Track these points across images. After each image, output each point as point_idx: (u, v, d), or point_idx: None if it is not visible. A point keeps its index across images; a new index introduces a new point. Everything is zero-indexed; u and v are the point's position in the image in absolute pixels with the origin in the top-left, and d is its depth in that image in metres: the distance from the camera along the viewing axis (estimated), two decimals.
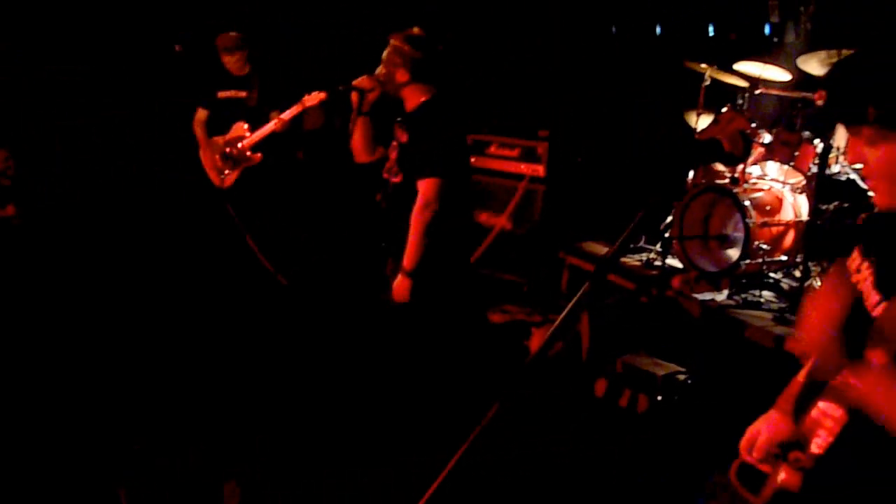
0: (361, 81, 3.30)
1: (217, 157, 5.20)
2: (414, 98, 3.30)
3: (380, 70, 3.30)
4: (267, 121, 5.01)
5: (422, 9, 5.80)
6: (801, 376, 1.74)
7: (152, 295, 5.28)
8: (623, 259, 5.14)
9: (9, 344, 4.36)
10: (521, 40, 6.26)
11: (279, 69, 5.39)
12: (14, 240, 5.57)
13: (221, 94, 5.17)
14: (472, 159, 5.96)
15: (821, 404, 1.53)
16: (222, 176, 5.20)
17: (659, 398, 3.86)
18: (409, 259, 3.24)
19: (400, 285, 3.28)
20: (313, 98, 4.68)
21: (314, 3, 6.11)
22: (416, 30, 3.30)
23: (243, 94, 5.15)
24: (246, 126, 5.10)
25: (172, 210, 5.90)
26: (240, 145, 5.10)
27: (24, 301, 4.95)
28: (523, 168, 5.73)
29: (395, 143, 3.39)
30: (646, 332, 4.35)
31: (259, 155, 5.09)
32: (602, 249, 5.42)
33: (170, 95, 6.04)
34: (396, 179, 3.36)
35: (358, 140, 3.44)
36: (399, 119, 3.40)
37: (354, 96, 3.33)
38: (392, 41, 3.28)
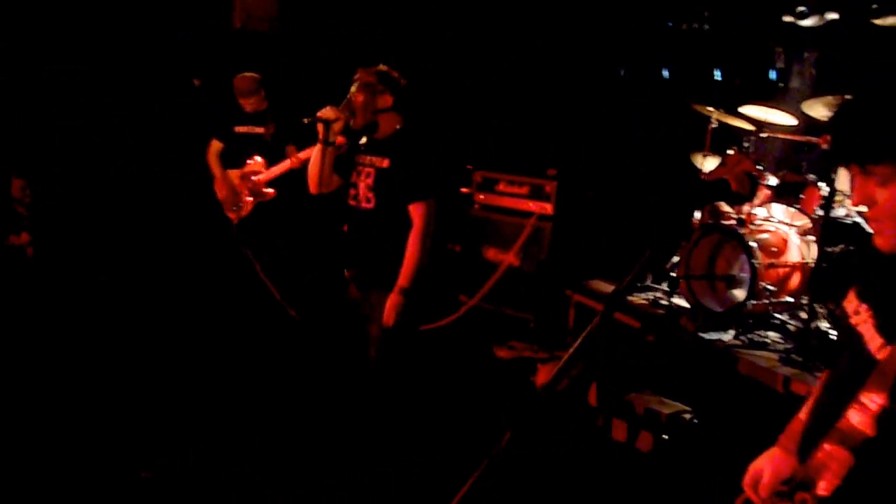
0: (326, 112, 3.37)
1: (231, 190, 5.27)
2: (389, 125, 3.42)
3: (355, 98, 3.38)
4: (283, 156, 5.09)
5: (435, 34, 5.95)
6: (803, 414, 1.76)
7: (159, 304, 5.37)
8: (630, 298, 5.17)
9: (23, 348, 4.43)
10: (531, 82, 6.38)
11: (295, 105, 5.50)
12: (26, 266, 5.65)
13: (238, 129, 5.26)
14: (482, 196, 6.08)
15: (826, 446, 1.55)
16: (236, 209, 5.27)
17: (664, 437, 3.86)
18: (407, 278, 3.32)
19: (395, 304, 3.34)
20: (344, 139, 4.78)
21: (332, 39, 6.23)
22: (384, 67, 3.46)
23: (260, 129, 5.23)
24: (262, 161, 5.18)
25: (184, 235, 5.96)
26: (255, 179, 5.17)
27: (36, 313, 5.04)
28: (532, 206, 5.79)
29: (366, 171, 3.44)
30: (652, 371, 4.36)
31: (273, 191, 5.16)
32: (609, 288, 5.45)
33: (170, 95, 6.12)
34: (368, 206, 3.42)
35: (318, 170, 3.49)
36: (364, 148, 3.47)
37: (320, 127, 3.40)
38: (369, 73, 3.41)
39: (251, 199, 5.23)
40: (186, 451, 3.54)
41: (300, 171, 5.09)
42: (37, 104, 6.02)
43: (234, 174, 5.29)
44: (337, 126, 3.39)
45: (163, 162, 6.17)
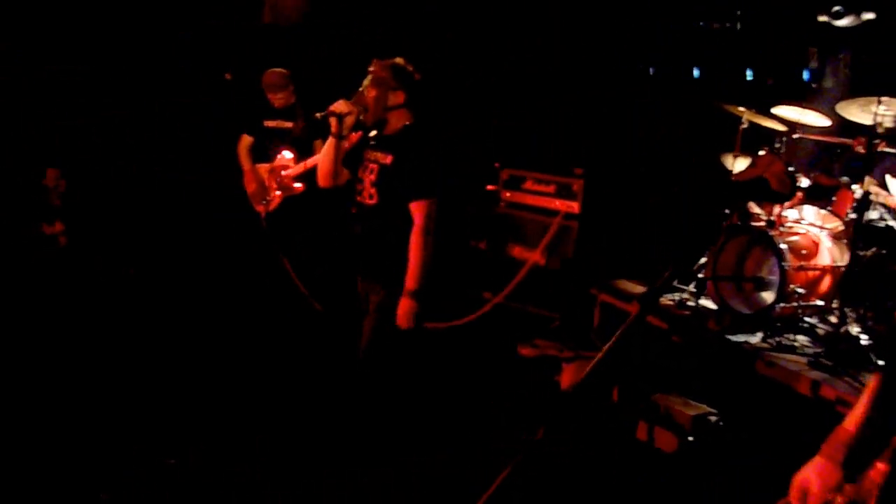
0: (338, 106, 3.34)
1: (260, 184, 5.31)
2: (398, 121, 3.36)
3: (367, 93, 3.33)
4: (311, 150, 5.12)
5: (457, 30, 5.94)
6: (850, 425, 1.72)
7: (184, 297, 5.43)
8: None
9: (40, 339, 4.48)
10: (561, 80, 6.35)
11: (324, 100, 5.52)
12: (58, 255, 5.74)
13: (267, 124, 5.29)
14: (508, 194, 6.07)
15: (880, 465, 1.51)
16: (265, 203, 5.31)
17: (690, 439, 3.83)
18: (414, 280, 3.23)
19: (408, 309, 3.27)
20: (360, 134, 4.80)
21: (361, 35, 6.26)
22: (401, 60, 3.38)
23: (289, 124, 5.25)
24: (291, 156, 5.22)
25: (213, 231, 6.01)
26: (283, 174, 5.22)
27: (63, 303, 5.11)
28: (558, 204, 5.77)
29: (371, 166, 3.38)
30: (678, 372, 4.33)
31: (302, 185, 5.20)
32: (635, 288, 5.42)
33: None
34: (371, 202, 3.36)
35: (330, 164, 3.46)
36: (373, 143, 3.42)
37: (333, 121, 3.37)
38: (383, 66, 3.33)
39: (279, 193, 5.27)
40: (186, 451, 3.55)
41: None
42: (67, 96, 6.11)
43: (263, 168, 5.34)
44: (349, 120, 3.37)
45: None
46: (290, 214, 5.30)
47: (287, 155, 5.24)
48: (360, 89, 3.35)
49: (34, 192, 5.73)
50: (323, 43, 6.35)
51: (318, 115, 3.43)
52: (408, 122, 3.36)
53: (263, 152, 5.32)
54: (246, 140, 5.35)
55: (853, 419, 1.71)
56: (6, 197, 5.76)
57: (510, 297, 5.67)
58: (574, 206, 5.71)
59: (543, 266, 5.74)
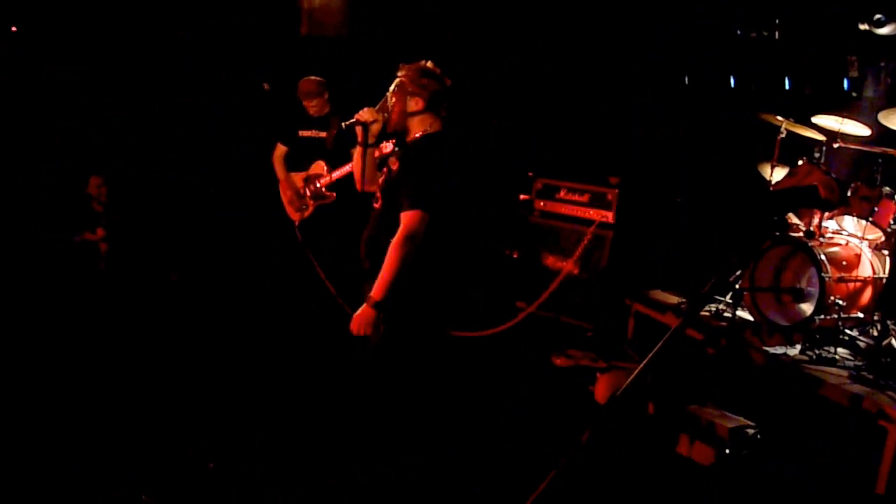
0: (363, 114, 3.33)
1: (295, 192, 5.40)
2: (419, 128, 3.28)
3: (389, 100, 3.30)
4: (346, 159, 5.18)
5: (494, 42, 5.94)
6: None
7: (218, 304, 5.52)
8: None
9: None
10: (596, 89, 6.34)
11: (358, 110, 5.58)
12: (99, 262, 5.86)
13: (302, 133, 5.38)
14: (542, 203, 6.07)
15: None
16: (299, 211, 5.40)
17: (727, 451, 3.79)
18: (378, 290, 3.10)
19: (362, 317, 3.14)
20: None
21: (398, 46, 6.32)
22: (429, 63, 3.29)
23: (323, 134, 5.34)
24: (324, 165, 5.30)
25: (250, 235, 6.10)
26: (318, 183, 5.30)
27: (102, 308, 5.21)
28: (592, 213, 5.76)
29: (385, 171, 3.38)
30: (715, 384, 4.28)
31: (334, 194, 5.28)
32: (670, 298, 5.37)
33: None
34: (377, 206, 3.34)
35: (359, 171, 3.46)
36: (396, 149, 3.42)
37: (359, 129, 3.37)
38: (406, 72, 3.27)
39: (313, 201, 5.35)
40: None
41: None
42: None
43: (297, 177, 5.43)
44: (375, 128, 3.36)
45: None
46: (323, 223, 5.38)
47: (321, 164, 5.31)
48: (385, 96, 3.35)
49: (76, 200, 5.87)
50: (360, 54, 6.42)
51: (344, 123, 3.45)
52: (428, 130, 3.27)
53: (298, 161, 5.41)
54: (280, 149, 5.45)
55: None
56: (49, 205, 5.92)
57: (543, 306, 5.66)
58: (608, 216, 5.69)
59: (577, 276, 5.72)
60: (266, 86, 6.36)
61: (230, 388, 4.32)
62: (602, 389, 4.58)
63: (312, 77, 5.32)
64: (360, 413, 3.54)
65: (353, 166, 5.01)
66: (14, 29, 6.24)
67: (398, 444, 3.63)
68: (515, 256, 6.15)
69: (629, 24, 6.22)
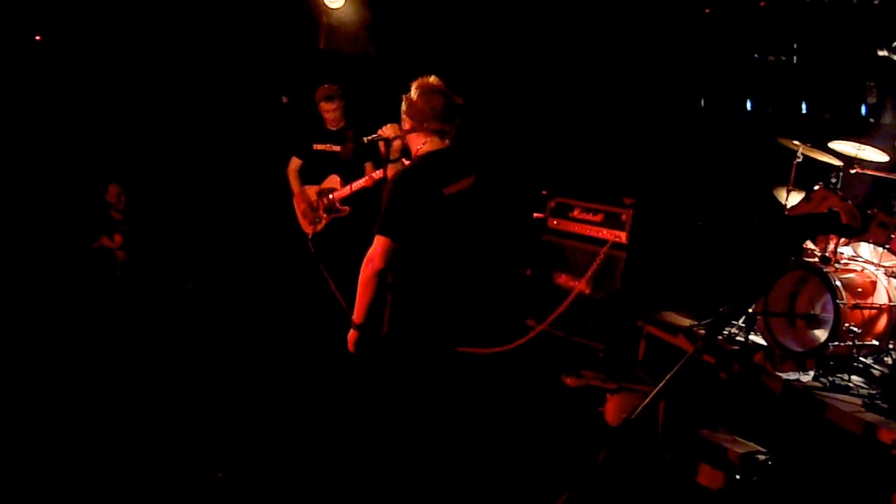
0: (386, 130, 3.36)
1: (309, 205, 5.43)
2: (413, 147, 3.25)
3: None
4: (360, 174, 5.22)
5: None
6: None
7: (229, 312, 5.55)
8: (701, 332, 5.06)
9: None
10: (610, 111, 6.35)
11: (372, 125, 5.62)
12: (116, 269, 5.90)
13: (317, 147, 5.43)
14: (555, 222, 6.06)
15: None
16: (312, 224, 5.43)
17: (737, 477, 3.74)
18: (355, 312, 3.17)
19: (350, 336, 3.21)
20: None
21: (417, 62, 6.37)
22: (432, 78, 3.23)
23: (337, 148, 5.39)
24: (338, 178, 5.33)
25: (264, 247, 6.14)
26: (331, 196, 5.33)
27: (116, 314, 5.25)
28: (605, 233, 5.75)
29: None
30: (725, 408, 4.24)
31: (348, 208, 5.31)
32: (682, 320, 5.34)
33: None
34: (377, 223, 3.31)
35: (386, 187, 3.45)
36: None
37: (381, 145, 3.40)
38: (412, 90, 3.23)
39: (326, 214, 5.38)
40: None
41: (375, 190, 5.26)
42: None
43: (311, 190, 5.47)
44: (397, 144, 3.38)
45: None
46: (336, 236, 5.40)
47: (335, 178, 5.35)
48: None
49: (95, 206, 5.92)
50: (375, 70, 6.47)
51: (366, 138, 3.48)
52: (421, 149, 3.21)
53: (312, 175, 5.45)
54: (295, 162, 5.50)
55: None
56: (68, 212, 5.98)
57: (554, 325, 5.64)
58: (622, 236, 5.68)
59: (589, 295, 5.70)
60: (285, 99, 6.41)
61: (232, 390, 4.36)
62: (612, 411, 4.56)
63: (330, 84, 5.39)
64: (358, 419, 3.56)
65: (365, 181, 5.07)
66: (38, 38, 6.33)
67: (398, 444, 3.63)
68: (528, 274, 6.14)
69: (647, 46, 6.23)
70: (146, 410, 4.03)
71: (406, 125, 3.24)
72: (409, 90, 3.25)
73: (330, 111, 5.34)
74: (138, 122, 6.41)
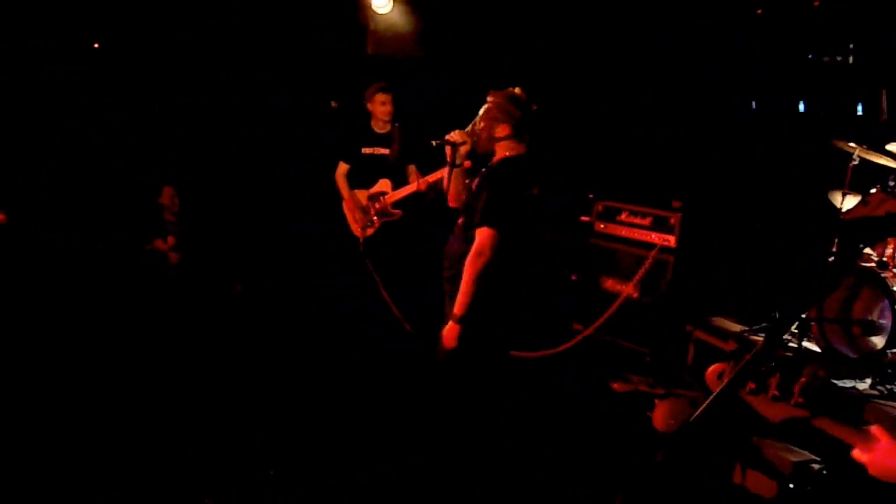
0: (454, 136, 3.45)
1: (360, 209, 5.47)
2: (502, 153, 3.41)
3: (477, 124, 3.43)
4: (404, 176, 5.29)
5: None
6: None
7: (276, 317, 5.64)
8: (752, 338, 4.98)
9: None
10: (662, 112, 6.29)
11: (419, 129, 5.68)
12: (168, 270, 6.04)
13: (365, 151, 5.47)
14: (602, 226, 6.02)
15: None
16: (364, 228, 5.46)
17: (790, 486, 3.67)
18: (459, 306, 3.25)
19: (447, 332, 3.30)
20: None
21: (464, 67, 6.39)
22: (517, 90, 3.43)
23: (385, 151, 5.43)
24: (388, 182, 5.39)
25: (316, 251, 6.23)
26: (382, 199, 5.40)
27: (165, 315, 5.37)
28: (654, 237, 5.69)
29: (467, 189, 3.49)
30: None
31: (400, 212, 5.38)
32: (732, 326, 5.26)
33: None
34: (459, 222, 3.46)
35: (451, 190, 3.58)
36: (482, 169, 3.50)
37: (448, 150, 3.47)
38: (494, 98, 3.42)
39: (378, 218, 5.44)
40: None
41: (425, 193, 5.32)
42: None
43: (361, 194, 5.51)
44: (463, 149, 3.47)
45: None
46: (387, 240, 5.46)
47: (386, 182, 5.40)
48: (474, 120, 3.47)
49: (149, 209, 6.07)
50: (424, 74, 6.52)
51: (434, 141, 3.56)
52: (511, 155, 3.41)
53: (361, 179, 5.48)
54: (343, 167, 5.52)
55: None
56: (122, 213, 6.13)
57: (602, 329, 5.60)
58: (670, 240, 5.62)
59: (637, 299, 5.65)
60: (334, 104, 6.49)
61: (235, 390, 4.42)
62: (660, 416, 4.51)
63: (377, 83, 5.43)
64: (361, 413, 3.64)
65: (419, 185, 5.12)
66: (96, 45, 6.50)
67: (398, 445, 3.70)
68: (574, 279, 6.11)
69: (699, 46, 6.15)
70: (153, 411, 4.11)
71: (501, 132, 3.39)
72: (450, 93, 3.39)
73: (387, 103, 5.34)
74: (187, 123, 6.53)
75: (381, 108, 5.36)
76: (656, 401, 4.57)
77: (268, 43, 6.58)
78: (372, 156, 5.45)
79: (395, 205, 5.38)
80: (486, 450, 3.67)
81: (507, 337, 3.54)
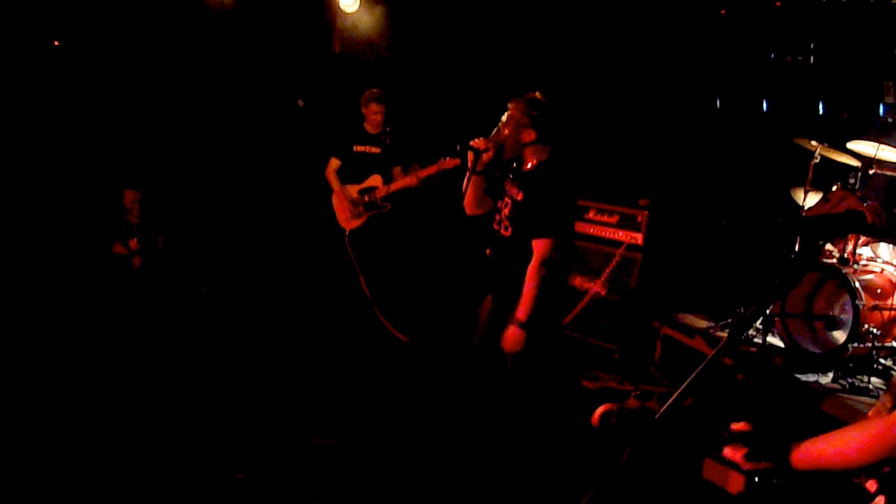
0: (478, 143, 3.43)
1: (349, 202, 5.53)
2: (533, 157, 3.45)
3: (502, 131, 3.43)
4: (391, 176, 5.32)
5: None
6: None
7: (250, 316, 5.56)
8: (718, 334, 5.04)
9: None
10: (624, 110, 6.34)
11: (409, 128, 5.71)
12: (131, 275, 5.94)
13: (357, 148, 5.54)
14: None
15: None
16: (350, 219, 5.55)
17: (756, 480, 3.72)
18: (524, 311, 3.34)
19: (514, 335, 3.38)
20: (448, 162, 5.08)
21: (437, 66, 6.37)
22: (538, 94, 3.47)
23: (376, 150, 5.52)
24: (379, 178, 5.48)
25: (293, 243, 6.18)
26: (374, 192, 5.48)
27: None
28: (621, 235, 5.74)
29: (507, 200, 3.50)
30: (742, 410, 4.22)
31: (389, 205, 5.48)
32: (698, 322, 5.32)
33: (174, 94, 6.28)
34: (506, 233, 3.48)
35: (470, 196, 3.58)
36: (511, 177, 3.52)
37: (470, 155, 3.46)
38: (517, 105, 3.44)
39: (367, 211, 5.52)
40: (187, 451, 3.66)
41: (417, 188, 5.37)
42: (149, 116, 6.32)
43: (352, 188, 5.57)
44: (486, 156, 3.45)
45: (164, 162, 6.33)
46: (373, 232, 5.54)
47: (377, 178, 5.49)
48: (497, 127, 3.47)
49: (111, 213, 5.95)
50: (394, 74, 6.49)
51: (458, 146, 3.54)
52: (543, 159, 3.46)
53: (352, 175, 5.55)
54: (334, 163, 5.59)
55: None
56: (84, 216, 6.01)
57: (570, 326, 5.64)
58: (638, 238, 5.66)
59: (605, 297, 5.69)
60: (301, 102, 6.45)
61: (236, 391, 4.41)
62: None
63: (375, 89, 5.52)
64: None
65: (409, 180, 5.22)
66: (56, 43, 6.38)
67: (399, 445, 3.70)
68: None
69: (662, 45, 6.21)
70: (146, 411, 4.09)
71: (528, 137, 3.43)
72: (523, 103, 3.43)
73: (380, 113, 5.45)
74: (146, 124, 6.45)
75: (373, 116, 5.47)
76: (631, 398, 4.60)
77: (234, 42, 6.51)
78: (363, 154, 5.53)
79: (386, 198, 5.47)
80: (486, 450, 3.70)
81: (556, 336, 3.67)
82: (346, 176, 5.56)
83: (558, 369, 5.20)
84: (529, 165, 3.46)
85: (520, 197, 3.44)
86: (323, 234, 5.68)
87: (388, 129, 5.52)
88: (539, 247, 3.35)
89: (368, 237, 5.54)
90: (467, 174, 3.50)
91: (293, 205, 6.04)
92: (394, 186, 5.44)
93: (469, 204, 3.61)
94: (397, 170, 5.50)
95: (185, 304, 5.80)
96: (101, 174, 6.14)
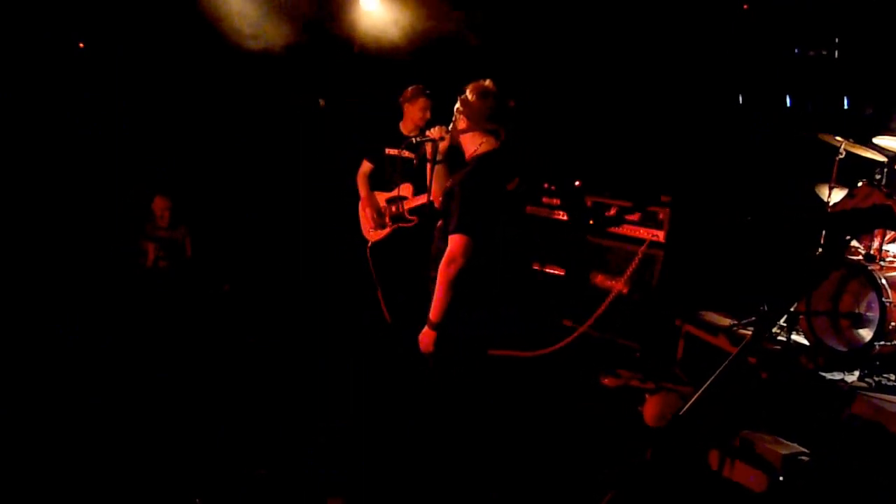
0: (434, 131, 3.42)
1: (374, 211, 5.25)
2: (469, 147, 3.32)
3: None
4: (425, 185, 5.12)
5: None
6: None
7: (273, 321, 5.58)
8: (742, 332, 5.00)
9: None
10: (647, 106, 6.30)
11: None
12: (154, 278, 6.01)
13: (389, 152, 5.20)
14: (591, 221, 6.03)
15: None
16: (375, 230, 5.24)
17: (780, 479, 3.69)
18: (433, 311, 3.19)
19: (424, 336, 3.23)
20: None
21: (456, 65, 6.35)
22: (487, 82, 3.32)
23: (410, 154, 5.10)
24: (410, 186, 5.12)
25: (316, 251, 6.20)
26: (400, 204, 5.15)
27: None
28: (643, 232, 5.71)
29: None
30: (768, 409, 4.19)
31: (416, 218, 5.10)
32: (721, 320, 5.28)
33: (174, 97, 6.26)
34: (439, 224, 3.35)
35: (436, 187, 3.53)
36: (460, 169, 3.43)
37: (428, 146, 3.44)
38: (470, 87, 3.32)
39: (392, 223, 5.20)
40: (176, 451, 3.68)
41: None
42: (181, 123, 6.33)
43: (380, 196, 5.27)
44: (443, 145, 3.42)
45: (165, 163, 6.32)
46: (396, 247, 5.19)
47: (408, 187, 5.13)
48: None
49: (140, 216, 6.02)
50: (414, 71, 6.49)
51: (414, 139, 3.53)
52: (478, 150, 3.30)
53: (383, 180, 5.24)
54: (366, 166, 5.27)
55: None
56: (113, 220, 6.09)
57: (592, 325, 5.61)
58: (660, 235, 5.63)
59: (627, 295, 5.67)
60: (322, 102, 6.45)
61: (224, 389, 4.44)
62: (650, 410, 4.52)
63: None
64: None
65: (431, 184, 4.95)
66: (81, 45, 6.46)
67: (399, 446, 3.69)
68: (562, 274, 6.11)
69: (685, 41, 6.16)
70: (142, 411, 4.12)
71: (461, 125, 3.33)
72: (462, 92, 3.33)
73: (428, 110, 5.05)
74: (166, 127, 6.47)
75: (420, 113, 5.07)
76: (647, 396, 4.58)
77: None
78: (396, 157, 5.16)
79: (413, 211, 5.11)
80: (477, 448, 3.68)
81: (483, 339, 3.44)
82: (377, 181, 5.23)
83: (574, 368, 5.21)
84: (468, 155, 3.33)
85: (449, 185, 3.31)
86: (346, 243, 5.46)
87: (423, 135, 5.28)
88: (450, 243, 3.14)
89: (391, 252, 5.17)
90: (429, 165, 3.46)
91: (314, 209, 6.00)
92: (418, 199, 5.05)
93: (434, 196, 3.54)
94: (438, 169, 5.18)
95: (206, 305, 5.84)
96: (126, 177, 6.22)
